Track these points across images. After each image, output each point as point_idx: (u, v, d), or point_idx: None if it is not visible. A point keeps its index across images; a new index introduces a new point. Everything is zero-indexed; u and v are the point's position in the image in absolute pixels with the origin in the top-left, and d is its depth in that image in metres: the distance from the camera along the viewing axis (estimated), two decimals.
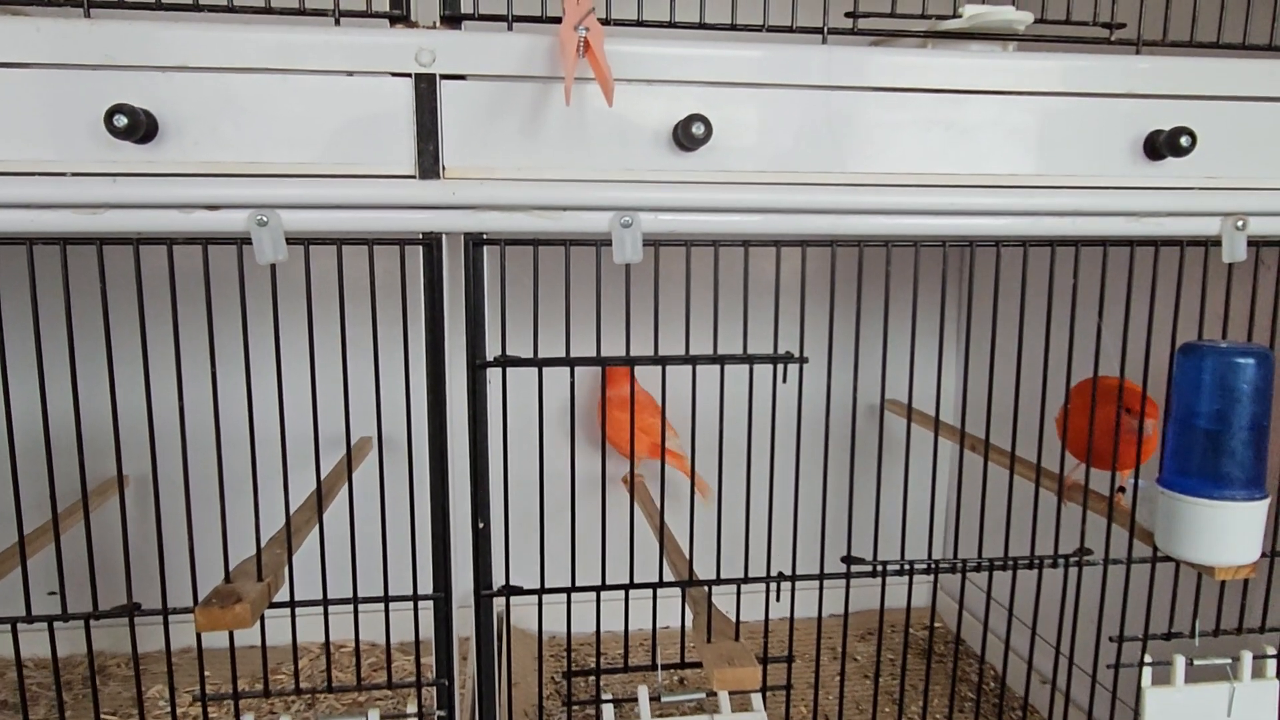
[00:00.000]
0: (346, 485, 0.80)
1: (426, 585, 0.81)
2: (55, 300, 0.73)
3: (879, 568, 0.86)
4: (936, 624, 1.61)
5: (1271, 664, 0.91)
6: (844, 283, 0.84)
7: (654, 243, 0.77)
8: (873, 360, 0.86)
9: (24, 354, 0.75)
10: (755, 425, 0.83)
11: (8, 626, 0.75)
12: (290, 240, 0.72)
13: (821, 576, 0.86)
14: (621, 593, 0.83)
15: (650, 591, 0.84)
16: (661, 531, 0.85)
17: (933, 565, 0.87)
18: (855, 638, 1.55)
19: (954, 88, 0.79)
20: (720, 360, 0.80)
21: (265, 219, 0.71)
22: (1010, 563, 0.88)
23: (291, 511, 0.83)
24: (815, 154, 0.78)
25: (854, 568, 0.86)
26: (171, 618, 0.78)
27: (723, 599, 0.87)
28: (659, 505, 0.87)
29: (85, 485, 0.77)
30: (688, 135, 0.73)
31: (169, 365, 0.74)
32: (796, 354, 0.81)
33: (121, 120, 0.66)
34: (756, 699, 0.85)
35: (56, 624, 0.76)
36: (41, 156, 0.69)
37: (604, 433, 0.83)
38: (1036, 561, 0.88)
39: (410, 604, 0.80)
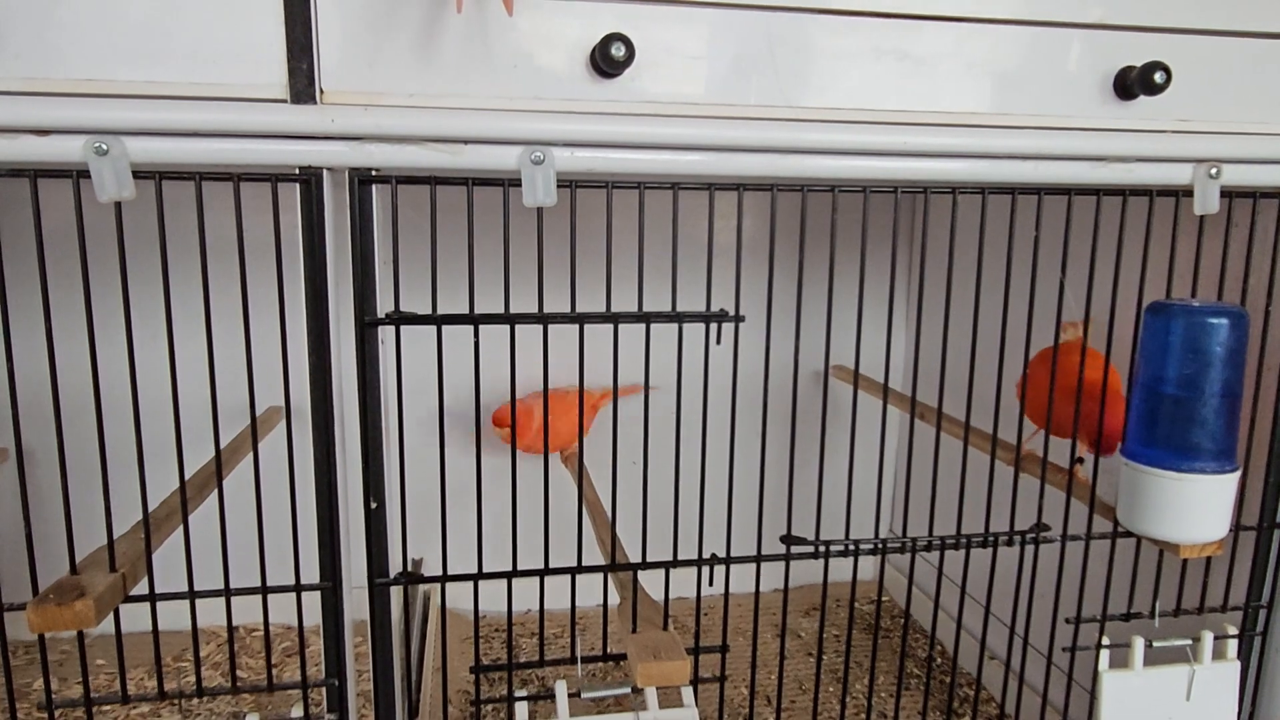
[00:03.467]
0: (216, 464, 0.70)
1: (314, 574, 0.71)
2: None
3: (821, 548, 0.78)
4: (884, 599, 1.55)
5: (1233, 645, 0.86)
6: (784, 234, 0.76)
7: (570, 183, 0.68)
8: (816, 321, 0.77)
9: None
10: (686, 393, 0.74)
11: None
12: (140, 174, 0.61)
13: (759, 559, 0.78)
14: (537, 579, 0.74)
15: (569, 577, 0.75)
16: (580, 509, 0.76)
17: (879, 545, 0.79)
18: (798, 613, 1.49)
19: (908, 12, 0.70)
20: (646, 318, 0.71)
21: (105, 147, 0.60)
22: (963, 541, 0.81)
23: (158, 495, 0.73)
24: (754, 85, 0.69)
25: (794, 548, 0.78)
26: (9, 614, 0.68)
27: (653, 582, 0.79)
28: (577, 483, 0.78)
29: None
30: (606, 58, 0.64)
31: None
32: (731, 312, 0.72)
33: None
34: (687, 692, 0.77)
35: None
36: None
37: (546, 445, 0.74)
38: (991, 539, 0.81)
39: (294, 595, 0.70)
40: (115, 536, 0.69)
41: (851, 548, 0.79)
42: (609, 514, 0.86)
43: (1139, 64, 0.73)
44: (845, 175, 0.71)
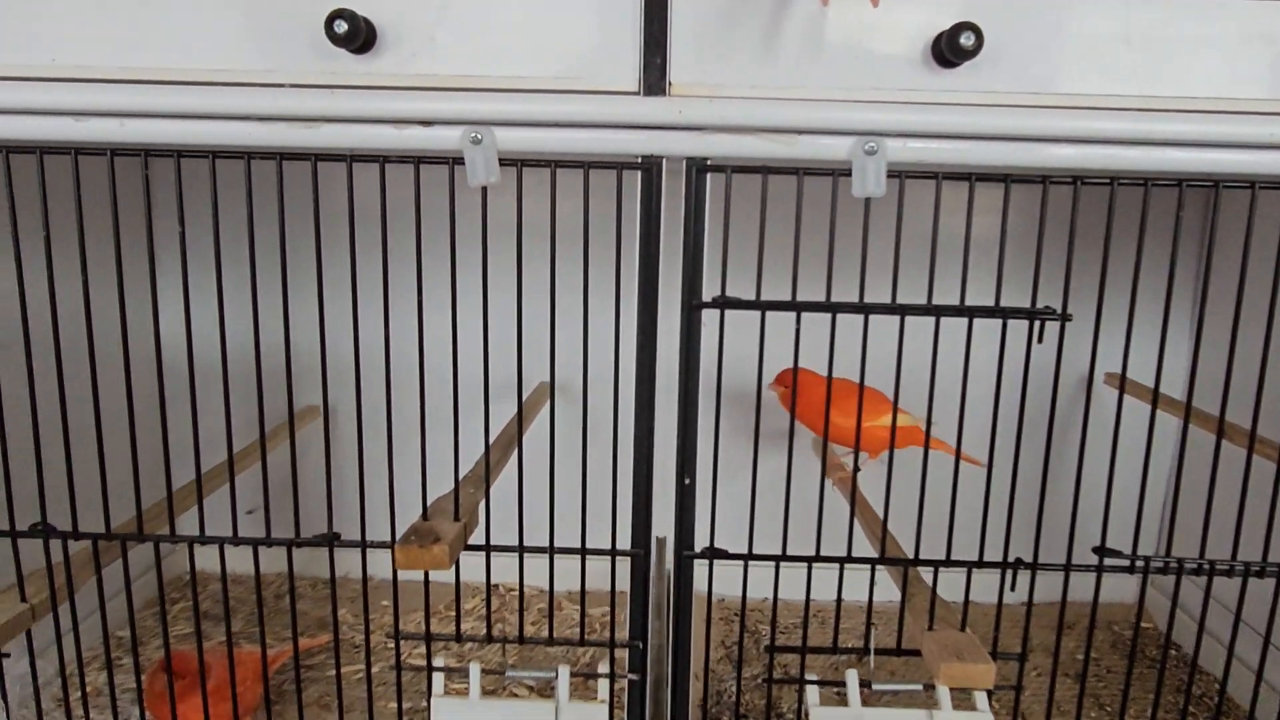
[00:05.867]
0: (549, 430, 0.75)
1: (624, 541, 0.75)
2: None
3: (1139, 563, 0.74)
4: (1147, 625, 1.44)
5: None
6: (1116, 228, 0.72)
7: (898, 174, 0.68)
8: (1149, 326, 0.73)
9: (238, 274, 0.73)
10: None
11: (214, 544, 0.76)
12: (501, 161, 0.67)
13: (1068, 568, 0.75)
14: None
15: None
16: (887, 506, 0.76)
17: (1206, 565, 0.74)
18: (1047, 630, 1.40)
19: None
20: (969, 313, 0.69)
21: (480, 136, 0.66)
22: None
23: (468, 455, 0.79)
24: (1104, 74, 0.66)
25: (1108, 561, 0.74)
26: (367, 550, 0.77)
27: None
28: (886, 490, 0.78)
29: (292, 412, 0.75)
30: (953, 48, 0.63)
31: (375, 292, 0.70)
32: (1058, 310, 0.70)
33: (342, 26, 0.63)
34: (981, 698, 0.76)
35: (260, 546, 0.76)
36: (259, 66, 0.67)
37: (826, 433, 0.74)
38: None
39: (608, 559, 0.75)
40: (427, 494, 0.76)
41: (1173, 565, 0.74)
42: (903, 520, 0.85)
43: None
44: (1201, 170, 0.66)
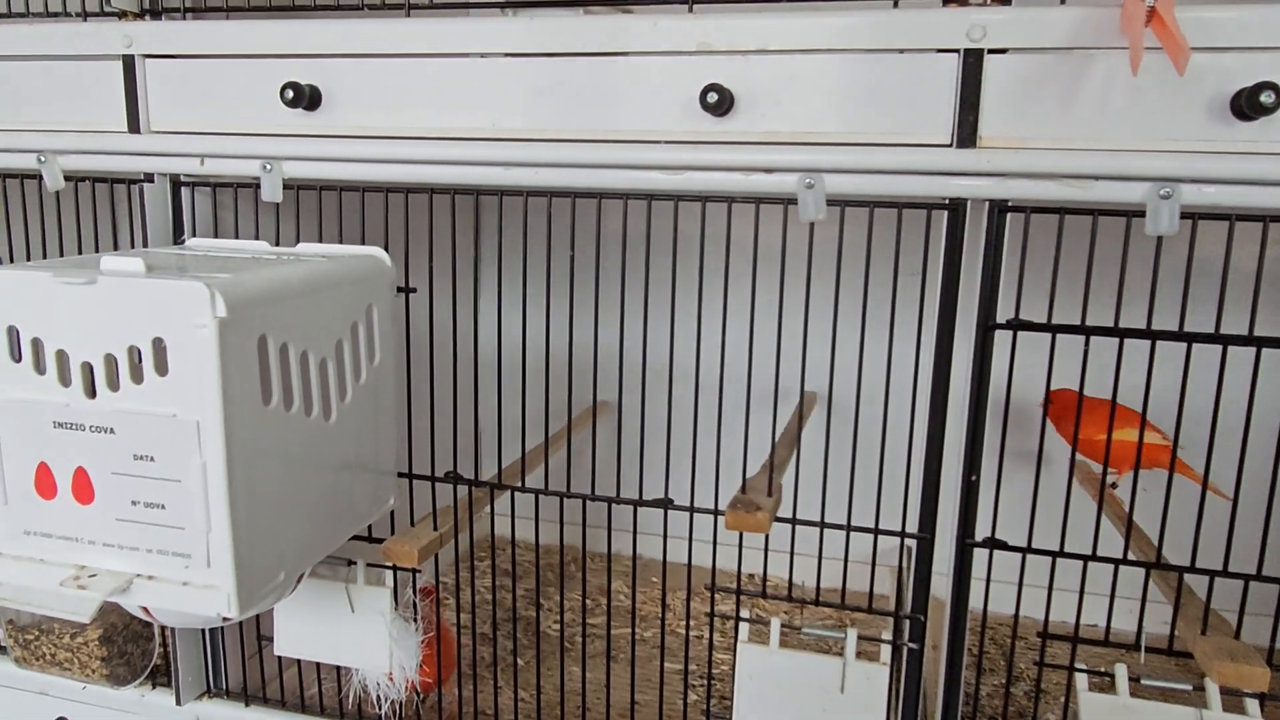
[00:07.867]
0: (853, 429, 0.89)
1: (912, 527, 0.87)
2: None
3: None
4: None
5: None
6: None
7: (1190, 215, 0.75)
8: None
9: (609, 298, 0.93)
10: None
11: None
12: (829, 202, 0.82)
13: None
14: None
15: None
16: (1164, 518, 0.83)
17: None
18: None
19: None
20: (1257, 343, 0.76)
21: (812, 182, 0.81)
22: None
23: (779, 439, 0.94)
24: None
25: None
26: (685, 515, 0.94)
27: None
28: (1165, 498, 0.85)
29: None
30: (1253, 104, 0.70)
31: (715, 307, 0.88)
32: None
33: (713, 96, 0.80)
34: (1253, 705, 0.80)
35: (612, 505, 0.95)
36: (642, 127, 0.85)
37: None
38: None
39: (896, 539, 0.87)
40: (746, 469, 0.91)
41: None
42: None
43: None
44: None
